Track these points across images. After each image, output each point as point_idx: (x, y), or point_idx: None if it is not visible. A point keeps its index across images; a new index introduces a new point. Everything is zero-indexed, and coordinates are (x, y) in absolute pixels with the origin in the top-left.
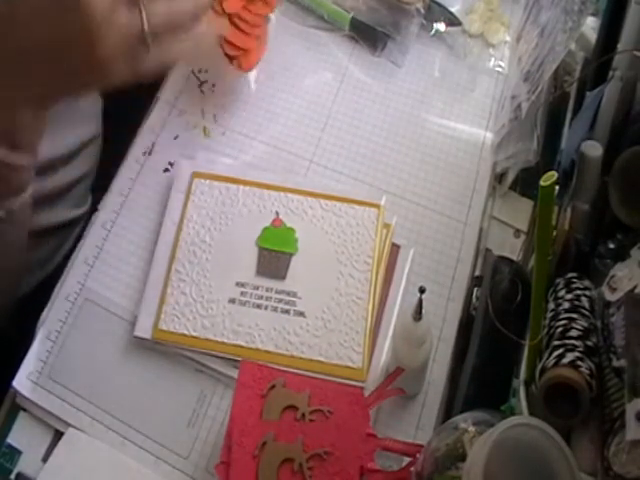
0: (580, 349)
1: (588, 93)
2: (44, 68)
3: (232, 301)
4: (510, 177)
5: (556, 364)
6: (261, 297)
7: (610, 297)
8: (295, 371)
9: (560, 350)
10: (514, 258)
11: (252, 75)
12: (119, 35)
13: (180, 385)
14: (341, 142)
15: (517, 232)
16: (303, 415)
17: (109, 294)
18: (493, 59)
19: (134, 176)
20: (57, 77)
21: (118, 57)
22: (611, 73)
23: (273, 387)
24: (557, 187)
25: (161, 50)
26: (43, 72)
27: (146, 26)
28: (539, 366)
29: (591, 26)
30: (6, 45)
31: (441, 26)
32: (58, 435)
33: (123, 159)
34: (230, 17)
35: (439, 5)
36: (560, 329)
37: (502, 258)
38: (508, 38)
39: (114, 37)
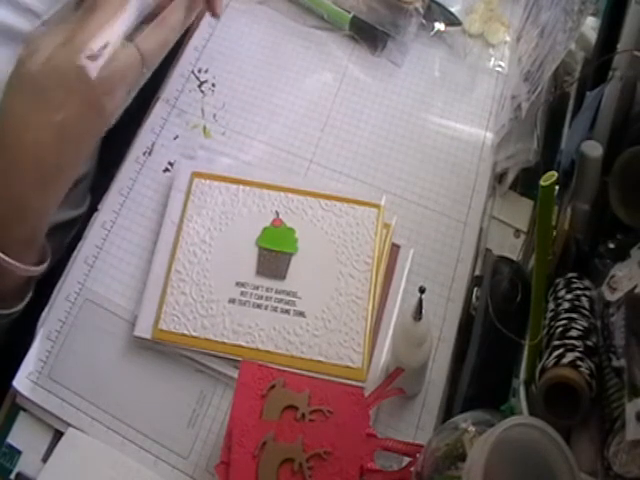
0: (580, 349)
1: (588, 93)
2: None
3: (232, 301)
4: (510, 177)
5: (556, 364)
6: (261, 297)
7: (610, 297)
8: (295, 371)
9: (560, 350)
10: (514, 258)
11: None
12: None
13: (180, 385)
14: (341, 142)
15: (517, 232)
16: (303, 415)
17: (109, 294)
18: (493, 59)
19: (134, 176)
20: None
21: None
22: (611, 73)
23: (273, 387)
24: (557, 187)
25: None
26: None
27: (143, 61)
28: (539, 366)
29: (591, 26)
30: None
31: (441, 26)
32: (58, 435)
33: (123, 159)
34: None
35: (439, 5)
36: (560, 329)
37: (502, 258)
38: (508, 38)
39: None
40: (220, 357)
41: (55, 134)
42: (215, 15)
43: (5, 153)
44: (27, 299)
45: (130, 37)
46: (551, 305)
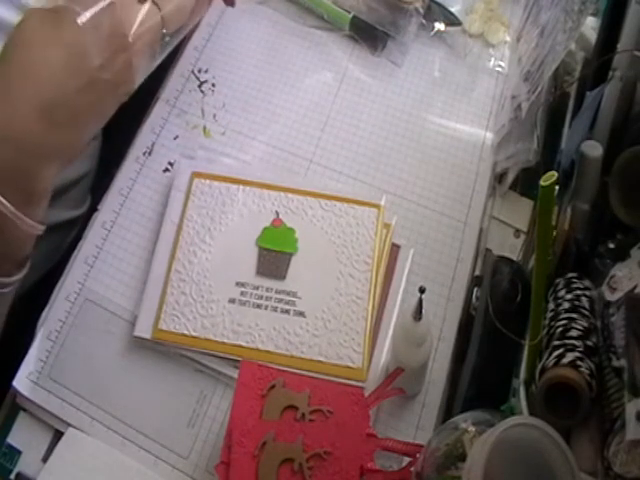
0: (580, 349)
1: (588, 93)
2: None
3: (232, 301)
4: (510, 177)
5: (556, 364)
6: (261, 297)
7: (610, 297)
8: (295, 371)
9: (560, 350)
10: (514, 258)
11: None
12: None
13: (180, 385)
14: (341, 142)
15: (517, 232)
16: (303, 415)
17: (109, 294)
18: (493, 59)
19: (134, 176)
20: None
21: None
22: (611, 73)
23: (273, 387)
24: (557, 187)
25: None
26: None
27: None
28: (539, 366)
29: (591, 26)
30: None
31: (441, 26)
32: (58, 435)
33: (123, 159)
34: None
35: (439, 5)
36: (560, 329)
37: (502, 258)
38: (508, 38)
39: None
40: (220, 357)
41: (65, 57)
42: (230, 3)
43: (8, 70)
44: (25, 269)
45: None
46: (551, 305)
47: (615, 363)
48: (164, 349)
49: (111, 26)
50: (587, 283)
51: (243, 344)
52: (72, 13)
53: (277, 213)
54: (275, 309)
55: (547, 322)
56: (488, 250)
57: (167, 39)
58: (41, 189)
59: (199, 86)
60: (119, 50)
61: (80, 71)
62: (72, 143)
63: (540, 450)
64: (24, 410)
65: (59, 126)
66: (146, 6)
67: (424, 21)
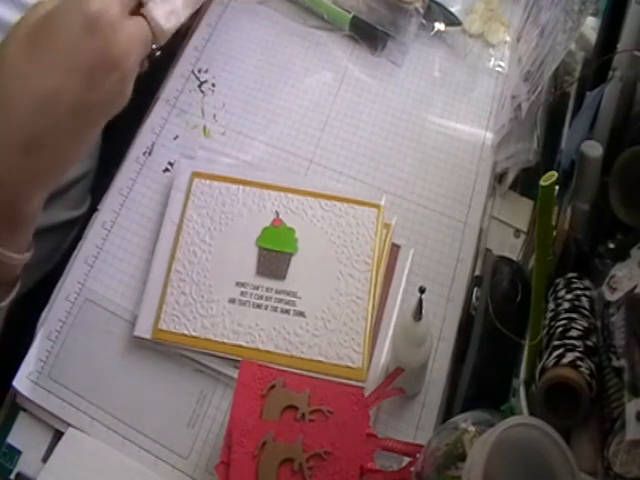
0: (580, 349)
1: (588, 93)
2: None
3: (232, 301)
4: (510, 177)
5: (556, 364)
6: (261, 297)
7: (610, 297)
8: (295, 371)
9: (560, 350)
10: (514, 258)
11: None
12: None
13: (180, 385)
14: (341, 142)
15: (517, 232)
16: (303, 415)
17: (109, 294)
18: (493, 59)
19: (134, 176)
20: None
21: (133, 77)
22: (611, 73)
23: (273, 387)
24: (557, 187)
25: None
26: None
27: (156, 35)
28: (539, 366)
29: (591, 26)
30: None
31: (441, 26)
32: (58, 435)
33: (123, 159)
34: None
35: (439, 5)
36: (560, 329)
37: (502, 258)
38: (508, 38)
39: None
40: (220, 357)
41: (49, 85)
42: None
43: None
44: (15, 290)
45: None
46: (551, 305)
47: (615, 363)
48: (164, 349)
49: (98, 45)
50: (587, 283)
51: (243, 344)
52: (53, 35)
53: (277, 213)
54: (275, 309)
55: (547, 322)
56: (488, 250)
57: (158, 54)
58: (25, 220)
59: (199, 86)
60: (108, 70)
61: (66, 97)
62: (60, 169)
63: (540, 450)
64: (24, 410)
65: (45, 156)
66: (136, 21)
67: (424, 21)
